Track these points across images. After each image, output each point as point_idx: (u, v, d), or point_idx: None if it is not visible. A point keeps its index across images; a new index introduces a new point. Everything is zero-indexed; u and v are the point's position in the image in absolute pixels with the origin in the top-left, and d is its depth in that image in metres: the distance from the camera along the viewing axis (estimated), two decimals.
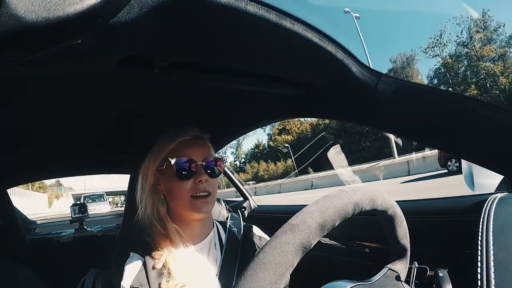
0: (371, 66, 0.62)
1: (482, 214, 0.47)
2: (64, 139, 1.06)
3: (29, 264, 1.13)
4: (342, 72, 0.59)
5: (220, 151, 1.37)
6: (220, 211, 1.00)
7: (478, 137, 0.58)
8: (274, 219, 1.34)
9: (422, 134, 0.67)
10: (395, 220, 0.47)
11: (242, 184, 1.65)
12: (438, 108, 0.60)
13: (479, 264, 0.40)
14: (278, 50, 0.55)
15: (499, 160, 0.59)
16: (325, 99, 0.75)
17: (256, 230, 0.81)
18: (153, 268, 0.64)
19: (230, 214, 0.86)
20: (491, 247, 0.40)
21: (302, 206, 0.38)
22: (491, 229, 0.43)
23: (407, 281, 0.49)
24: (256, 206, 1.57)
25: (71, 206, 1.80)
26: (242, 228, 0.80)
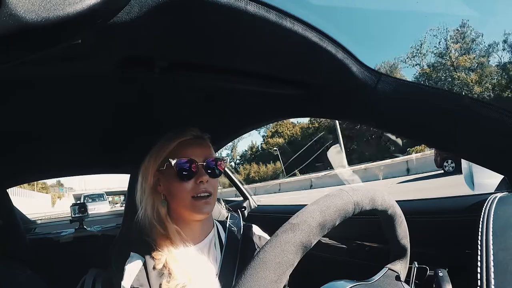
0: None
1: (482, 214, 0.47)
2: (64, 139, 1.06)
3: (29, 264, 1.13)
4: (342, 72, 0.59)
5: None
6: (220, 211, 1.00)
7: (478, 137, 0.59)
8: (274, 218, 1.34)
9: (422, 134, 0.67)
10: (395, 220, 0.47)
11: (242, 184, 1.65)
12: (438, 108, 0.60)
13: (479, 264, 0.40)
14: (278, 50, 0.55)
15: (499, 160, 0.59)
16: (325, 99, 0.75)
17: (256, 230, 0.81)
18: (154, 268, 0.64)
19: (229, 214, 0.86)
20: (491, 247, 0.41)
21: (302, 206, 0.38)
22: (491, 229, 0.43)
23: (407, 281, 0.49)
24: (256, 206, 1.58)
25: (71, 206, 1.81)
26: (242, 228, 0.80)
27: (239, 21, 0.44)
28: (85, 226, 1.76)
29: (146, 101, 0.85)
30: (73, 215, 1.76)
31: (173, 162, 0.66)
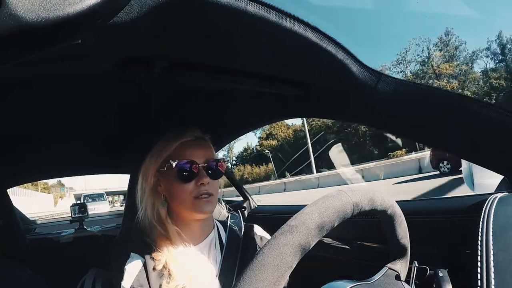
0: None
1: (482, 214, 0.47)
2: (64, 139, 1.06)
3: (29, 264, 1.13)
4: (342, 72, 0.59)
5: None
6: (220, 211, 1.00)
7: (478, 137, 0.59)
8: (274, 219, 1.34)
9: (422, 133, 0.67)
10: (395, 219, 0.47)
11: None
12: (438, 108, 0.60)
13: (479, 264, 0.40)
14: (278, 50, 0.55)
15: (499, 160, 0.59)
16: (325, 99, 0.75)
17: (258, 230, 0.81)
18: (154, 269, 0.64)
19: (230, 214, 0.86)
20: (491, 247, 0.41)
21: (302, 206, 0.38)
22: (491, 229, 0.43)
23: (407, 281, 0.49)
24: (256, 206, 1.57)
25: (71, 206, 1.80)
26: (242, 228, 0.80)
27: (239, 21, 0.44)
28: (85, 226, 1.76)
29: (146, 101, 0.85)
30: (73, 215, 1.76)
31: (174, 163, 0.66)
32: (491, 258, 0.39)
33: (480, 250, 0.41)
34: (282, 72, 0.65)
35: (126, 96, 0.79)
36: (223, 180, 0.84)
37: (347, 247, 1.02)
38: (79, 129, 0.99)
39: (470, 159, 0.70)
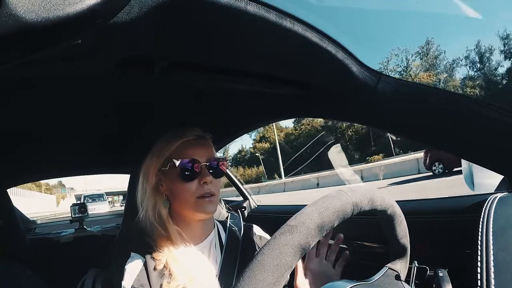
0: None
1: (482, 214, 0.47)
2: (64, 139, 1.06)
3: (29, 264, 1.13)
4: (342, 72, 0.59)
5: None
6: (220, 211, 1.00)
7: (478, 137, 0.58)
8: (274, 219, 1.34)
9: (422, 134, 0.67)
10: (395, 219, 0.47)
11: (242, 184, 1.65)
12: (438, 108, 0.60)
13: (479, 264, 0.40)
14: (278, 50, 0.55)
15: (499, 160, 0.59)
16: (325, 99, 0.75)
17: (257, 230, 0.81)
18: (154, 269, 0.64)
19: (230, 214, 0.86)
20: (491, 247, 0.41)
21: (302, 206, 0.38)
22: (491, 229, 0.43)
23: (407, 281, 0.49)
24: (256, 206, 1.57)
25: (71, 206, 1.81)
26: (242, 228, 0.80)
27: (239, 21, 0.44)
28: (85, 226, 1.76)
29: (146, 101, 0.85)
30: (73, 215, 1.76)
31: (177, 163, 0.65)
32: (491, 258, 0.39)
33: (480, 250, 0.41)
34: (282, 72, 0.65)
35: (126, 96, 0.79)
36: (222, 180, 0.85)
37: (347, 247, 1.02)
38: (79, 129, 0.99)
39: (470, 159, 0.70)
